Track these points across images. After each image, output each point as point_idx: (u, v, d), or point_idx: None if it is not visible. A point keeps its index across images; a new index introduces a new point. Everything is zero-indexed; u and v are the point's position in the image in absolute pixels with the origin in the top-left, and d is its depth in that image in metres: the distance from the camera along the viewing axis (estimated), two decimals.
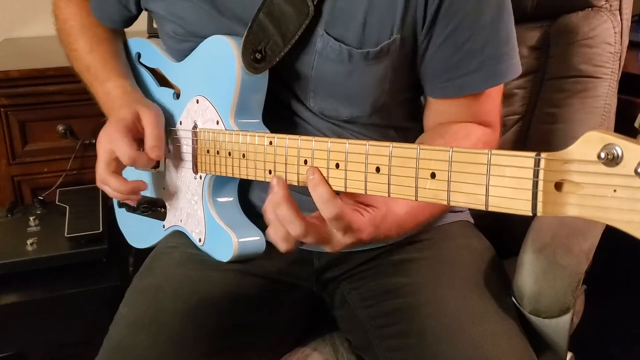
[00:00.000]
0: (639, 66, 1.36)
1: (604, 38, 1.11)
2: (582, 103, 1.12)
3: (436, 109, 0.89)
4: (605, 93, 1.11)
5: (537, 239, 0.89)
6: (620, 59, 1.13)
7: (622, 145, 0.45)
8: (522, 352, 0.81)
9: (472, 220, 1.05)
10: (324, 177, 0.67)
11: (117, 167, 0.91)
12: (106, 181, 0.91)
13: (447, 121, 0.88)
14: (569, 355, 0.93)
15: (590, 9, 1.13)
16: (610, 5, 1.12)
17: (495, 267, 0.94)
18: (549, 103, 1.17)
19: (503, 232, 1.06)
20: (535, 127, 1.20)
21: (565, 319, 0.86)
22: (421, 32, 0.81)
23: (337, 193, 0.68)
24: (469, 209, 1.06)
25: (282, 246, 0.71)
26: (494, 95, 0.88)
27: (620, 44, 1.12)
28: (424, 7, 0.79)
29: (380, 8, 0.79)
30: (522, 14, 1.18)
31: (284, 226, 0.69)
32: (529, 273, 0.87)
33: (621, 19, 1.12)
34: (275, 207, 0.68)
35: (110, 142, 0.89)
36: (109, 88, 0.98)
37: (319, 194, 0.66)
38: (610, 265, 1.18)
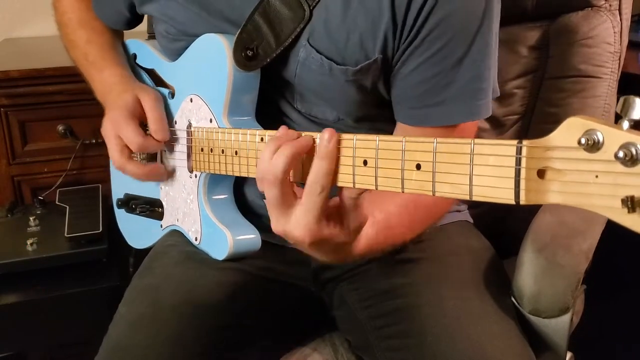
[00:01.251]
0: (638, 66, 1.36)
1: (604, 38, 1.11)
2: (582, 103, 1.12)
3: (403, 133, 0.87)
4: (604, 93, 1.11)
5: (537, 239, 0.89)
6: (619, 59, 1.13)
7: (603, 130, 0.44)
8: (522, 352, 0.81)
9: (471, 220, 1.05)
10: (336, 151, 0.63)
11: (130, 153, 0.92)
12: (124, 168, 0.92)
13: None
14: (569, 355, 0.93)
15: (589, 8, 1.13)
16: (610, 5, 1.12)
17: (495, 267, 0.94)
18: (549, 103, 1.17)
19: (503, 232, 1.06)
20: (534, 127, 1.19)
21: (565, 319, 0.86)
22: (396, 54, 0.80)
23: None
24: (468, 209, 1.06)
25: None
26: (468, 130, 0.84)
27: (620, 44, 1.12)
28: (401, 30, 0.78)
29: (362, 28, 0.78)
30: (522, 13, 1.18)
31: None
32: (529, 273, 0.87)
33: (621, 19, 1.12)
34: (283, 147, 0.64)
35: (118, 130, 0.90)
36: (106, 76, 0.98)
37: (320, 165, 0.63)
38: (610, 265, 1.18)
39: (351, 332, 0.94)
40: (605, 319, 1.38)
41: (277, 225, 0.67)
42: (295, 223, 0.65)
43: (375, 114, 0.88)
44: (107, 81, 0.98)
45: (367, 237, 0.73)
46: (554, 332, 0.88)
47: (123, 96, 0.92)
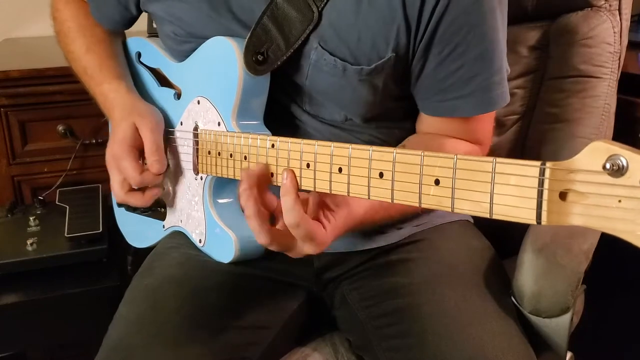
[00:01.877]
0: (638, 66, 1.36)
1: (604, 38, 1.11)
2: (582, 103, 1.12)
3: (427, 122, 0.90)
4: (604, 93, 1.11)
5: (537, 239, 0.89)
6: (619, 59, 1.13)
7: (628, 156, 0.45)
8: (522, 352, 0.81)
9: (472, 220, 1.05)
10: (295, 184, 0.70)
11: (130, 185, 0.93)
12: (126, 201, 0.95)
13: (437, 133, 0.89)
14: (569, 355, 0.93)
15: (589, 8, 1.13)
16: (610, 5, 1.12)
17: (495, 267, 0.94)
18: (549, 103, 1.17)
19: (503, 232, 1.06)
20: (534, 127, 1.20)
21: (565, 318, 0.87)
22: (415, 54, 0.82)
23: (307, 191, 0.71)
24: None
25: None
26: (485, 118, 0.89)
27: (620, 44, 1.12)
28: (416, 29, 0.79)
29: (374, 28, 0.79)
30: (522, 14, 1.18)
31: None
32: (529, 273, 0.87)
33: (620, 19, 1.12)
34: (245, 206, 0.73)
35: (118, 165, 0.92)
36: (105, 91, 0.98)
37: (285, 200, 0.70)
38: (610, 265, 1.18)
39: (352, 332, 0.95)
40: (605, 319, 1.38)
41: (295, 256, 0.76)
42: (299, 251, 0.74)
43: (384, 114, 0.89)
44: (107, 96, 0.98)
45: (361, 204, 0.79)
46: (554, 332, 0.88)
47: (122, 127, 0.92)
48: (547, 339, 0.89)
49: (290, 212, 0.69)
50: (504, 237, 1.02)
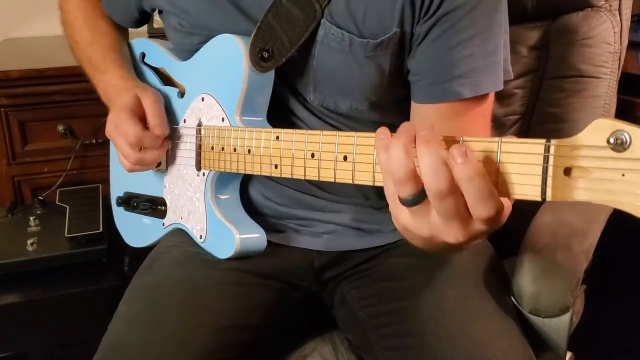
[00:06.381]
0: (638, 66, 1.36)
1: (604, 38, 1.11)
2: (582, 103, 1.12)
3: (420, 116, 0.88)
4: (604, 93, 1.11)
5: (537, 239, 0.89)
6: (619, 59, 1.13)
7: (631, 131, 0.46)
8: (522, 352, 0.81)
9: None
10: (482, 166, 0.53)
11: (141, 146, 0.91)
12: (141, 160, 0.91)
13: None
14: (569, 355, 0.93)
15: (589, 9, 1.13)
16: (610, 5, 1.12)
17: (495, 267, 0.94)
18: (549, 103, 1.17)
19: (503, 232, 1.06)
20: (535, 127, 1.20)
21: (565, 318, 0.87)
22: (417, 27, 0.81)
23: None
24: None
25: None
26: (479, 115, 0.85)
27: (620, 44, 1.12)
28: (420, 6, 0.79)
29: (380, 4, 0.79)
30: (522, 13, 1.18)
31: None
32: (528, 272, 0.87)
33: (620, 19, 1.12)
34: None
35: (119, 128, 0.90)
36: (108, 78, 0.98)
37: (476, 187, 0.52)
38: (610, 265, 1.18)
39: (351, 331, 0.95)
40: (605, 319, 1.38)
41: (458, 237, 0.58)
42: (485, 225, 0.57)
43: (388, 100, 0.88)
44: (109, 83, 0.98)
45: None
46: (554, 332, 0.88)
47: (123, 97, 0.92)
48: (547, 338, 0.89)
49: (489, 200, 0.52)
50: (504, 237, 1.02)
